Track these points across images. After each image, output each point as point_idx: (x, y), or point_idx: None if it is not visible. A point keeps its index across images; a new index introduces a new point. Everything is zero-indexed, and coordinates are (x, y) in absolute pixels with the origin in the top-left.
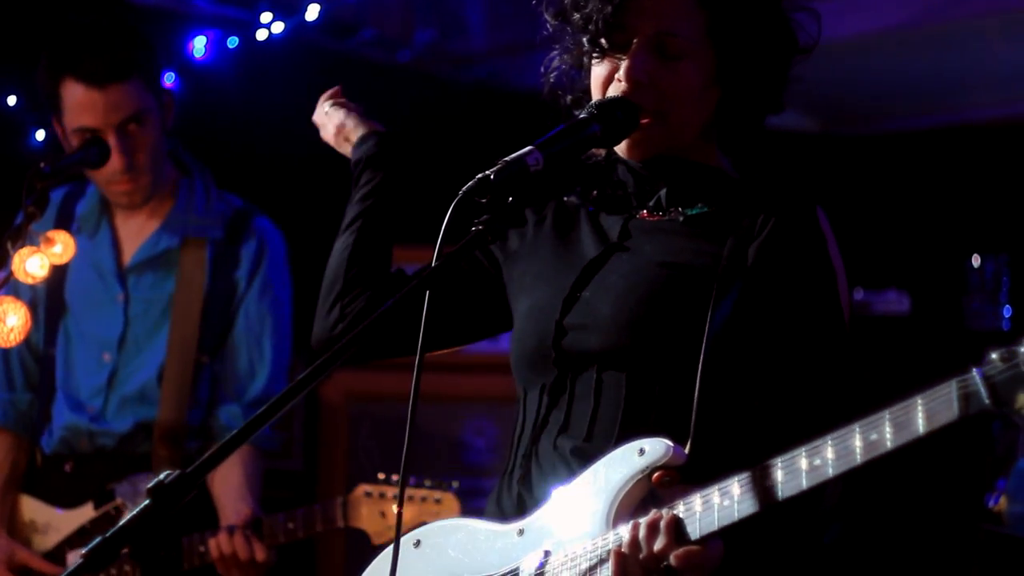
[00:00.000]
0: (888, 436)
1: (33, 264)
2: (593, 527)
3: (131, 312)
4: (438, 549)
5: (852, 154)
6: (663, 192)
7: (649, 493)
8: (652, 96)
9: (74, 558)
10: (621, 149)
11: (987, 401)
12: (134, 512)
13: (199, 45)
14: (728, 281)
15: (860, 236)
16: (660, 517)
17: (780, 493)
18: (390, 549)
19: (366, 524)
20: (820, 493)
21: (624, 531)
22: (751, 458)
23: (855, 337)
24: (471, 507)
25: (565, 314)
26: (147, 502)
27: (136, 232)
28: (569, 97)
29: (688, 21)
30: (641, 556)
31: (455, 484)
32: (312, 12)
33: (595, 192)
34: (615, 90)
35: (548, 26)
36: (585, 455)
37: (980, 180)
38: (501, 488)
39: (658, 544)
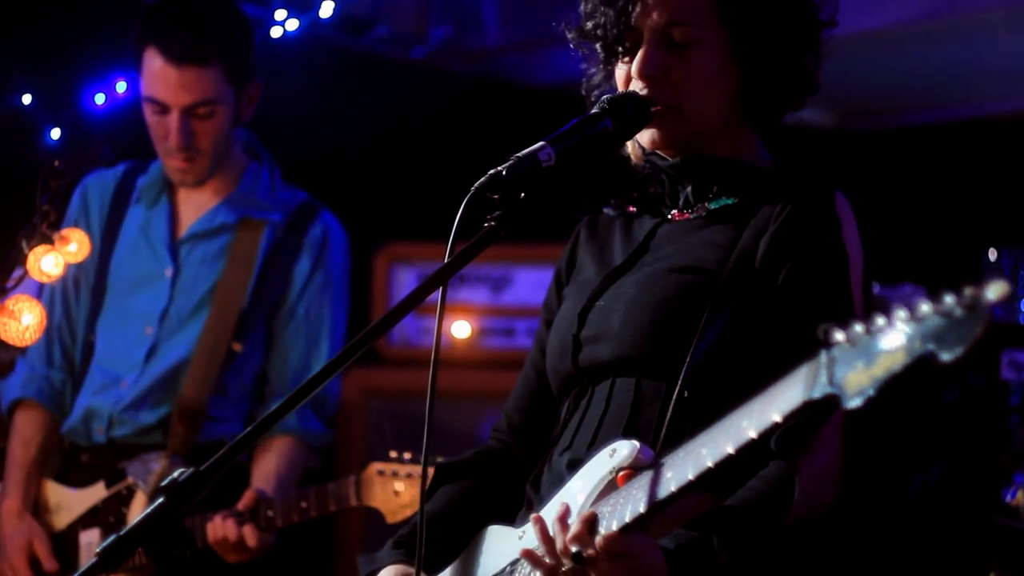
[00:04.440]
0: (753, 424)
1: (48, 262)
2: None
3: (178, 286)
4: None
5: (868, 149)
6: (689, 189)
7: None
8: (667, 89)
9: (86, 538)
10: (645, 142)
11: (826, 383)
12: (148, 511)
13: None
14: (734, 279)
15: (876, 230)
16: (568, 511)
17: (671, 486)
18: (496, 527)
19: (379, 503)
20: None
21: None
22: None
23: None
24: None
25: (581, 327)
26: (161, 500)
27: (196, 208)
28: (589, 91)
29: (695, 7)
30: (557, 546)
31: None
32: (326, 9)
33: (635, 193)
34: (635, 88)
35: (572, 43)
36: (579, 464)
37: (996, 174)
38: (527, 486)
39: (570, 533)
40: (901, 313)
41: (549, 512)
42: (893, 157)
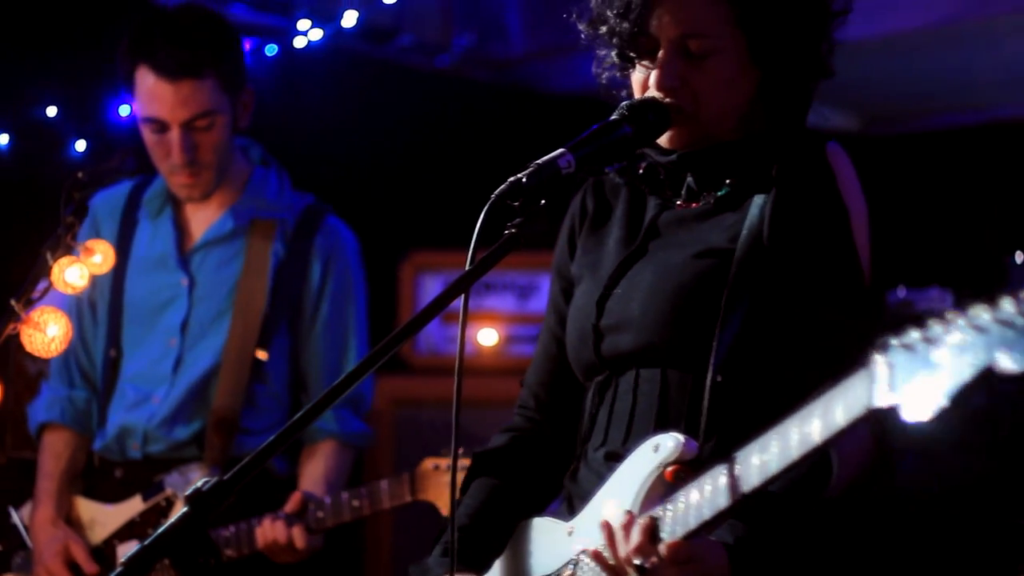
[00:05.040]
0: (817, 429)
1: (72, 274)
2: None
3: (195, 294)
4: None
5: (893, 153)
6: (690, 179)
7: (668, 488)
8: (687, 97)
9: (124, 551)
10: (662, 141)
11: (888, 391)
12: (172, 520)
13: None
14: (748, 257)
15: (901, 234)
16: (632, 519)
17: (743, 487)
18: (542, 520)
19: (434, 496)
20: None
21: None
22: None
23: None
24: None
25: (600, 316)
26: (185, 509)
27: (205, 219)
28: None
29: (711, 17)
30: (620, 555)
31: None
32: (350, 19)
33: (641, 168)
34: (653, 95)
35: (584, 37)
36: (617, 457)
37: (1021, 176)
38: (565, 481)
39: (631, 544)
40: (959, 320)
41: (601, 509)
42: (918, 161)
